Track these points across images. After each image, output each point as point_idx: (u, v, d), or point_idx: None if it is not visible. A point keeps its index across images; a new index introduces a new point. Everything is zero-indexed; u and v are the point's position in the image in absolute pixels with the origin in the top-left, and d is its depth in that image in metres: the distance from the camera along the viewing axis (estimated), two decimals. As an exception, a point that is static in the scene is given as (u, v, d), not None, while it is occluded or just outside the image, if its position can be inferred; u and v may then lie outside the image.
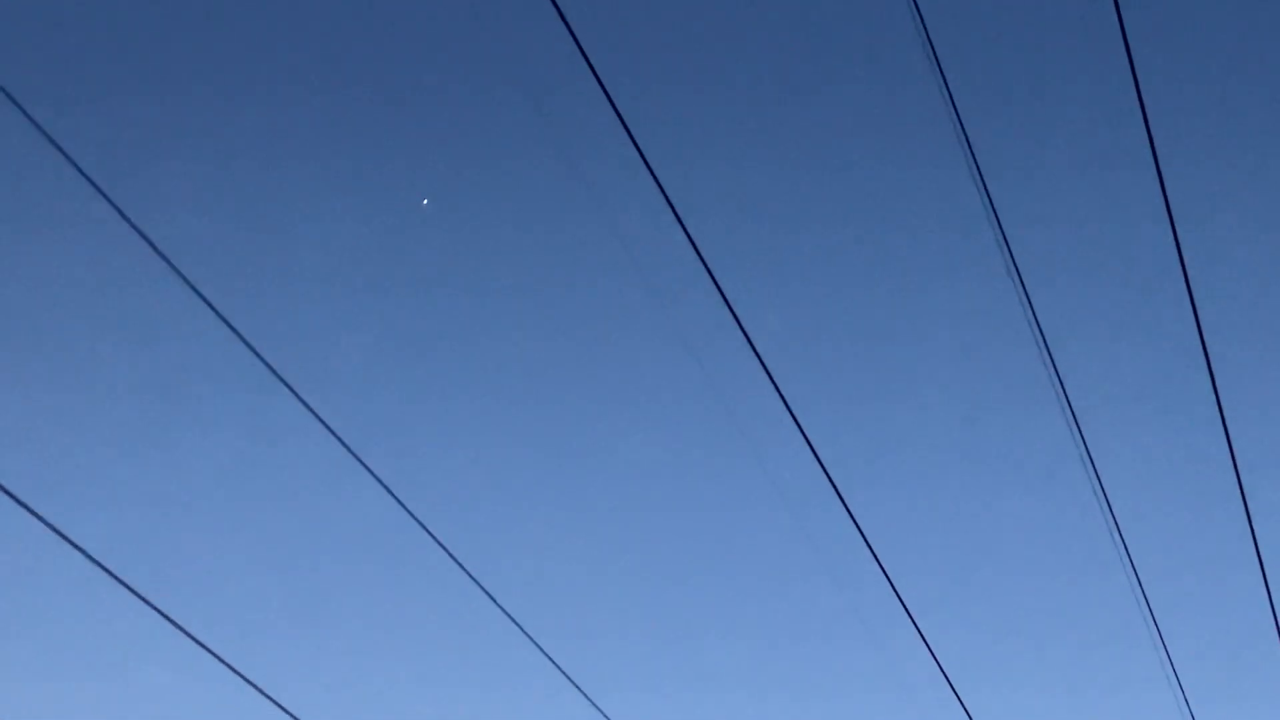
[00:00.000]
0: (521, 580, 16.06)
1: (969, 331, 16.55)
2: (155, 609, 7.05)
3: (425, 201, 15.88)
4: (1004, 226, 7.86)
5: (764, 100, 16.06)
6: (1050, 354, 8.28)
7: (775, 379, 7.64)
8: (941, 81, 7.69)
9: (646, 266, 15.61)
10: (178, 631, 7.24)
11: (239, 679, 7.53)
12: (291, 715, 7.52)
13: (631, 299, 16.16)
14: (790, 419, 7.54)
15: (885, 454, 17.18)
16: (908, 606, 8.74)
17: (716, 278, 7.00)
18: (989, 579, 17.66)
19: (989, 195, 7.91)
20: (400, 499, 8.16)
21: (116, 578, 6.86)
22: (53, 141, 6.80)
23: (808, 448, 7.63)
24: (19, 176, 14.07)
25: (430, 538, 8.25)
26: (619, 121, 6.85)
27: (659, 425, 16.97)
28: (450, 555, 8.37)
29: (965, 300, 16.45)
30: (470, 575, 8.53)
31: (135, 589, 7.02)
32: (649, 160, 6.91)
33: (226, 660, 7.47)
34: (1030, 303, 8.09)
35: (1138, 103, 6.90)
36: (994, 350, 16.65)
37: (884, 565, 8.51)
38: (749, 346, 7.48)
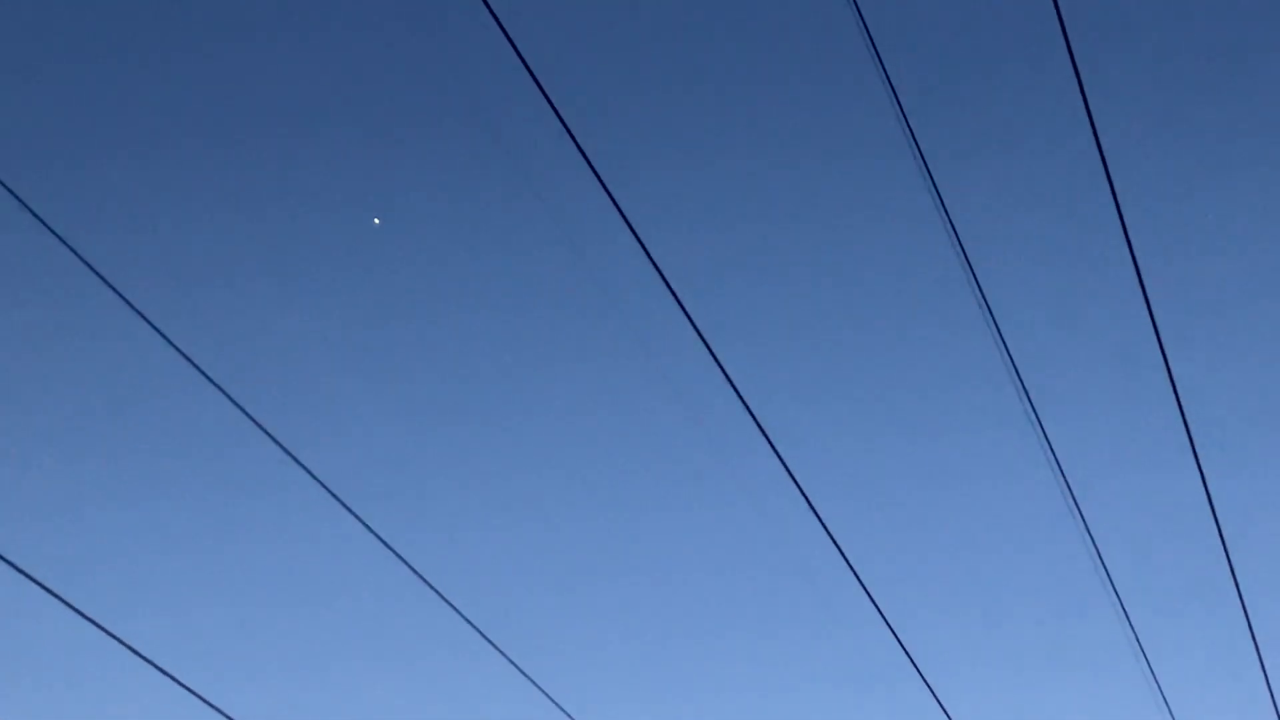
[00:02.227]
0: (487, 589, 15.98)
1: (926, 320, 16.61)
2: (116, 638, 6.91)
3: (376, 220, 15.73)
4: (952, 216, 7.84)
5: (736, 119, 16.02)
6: (1003, 337, 8.25)
7: (732, 376, 7.57)
8: (891, 91, 7.65)
9: (595, 267, 15.54)
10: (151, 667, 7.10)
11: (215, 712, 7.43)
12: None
13: (587, 305, 16.10)
14: (744, 408, 7.47)
15: (842, 440, 17.21)
16: (872, 594, 8.70)
17: (667, 276, 6.91)
18: (951, 561, 17.73)
19: (937, 188, 7.88)
20: (350, 507, 8.05)
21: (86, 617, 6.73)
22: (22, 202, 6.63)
23: (764, 437, 7.57)
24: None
25: (385, 545, 8.15)
26: (573, 141, 6.75)
27: (618, 428, 16.93)
28: (410, 567, 8.27)
29: (919, 288, 16.50)
30: (433, 588, 8.43)
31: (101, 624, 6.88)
32: (603, 170, 6.83)
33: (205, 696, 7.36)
34: (981, 288, 8.06)
35: (1081, 98, 6.89)
36: (951, 339, 16.70)
37: (848, 556, 8.46)
38: (709, 353, 7.41)
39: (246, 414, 7.74)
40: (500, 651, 9.08)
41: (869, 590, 8.83)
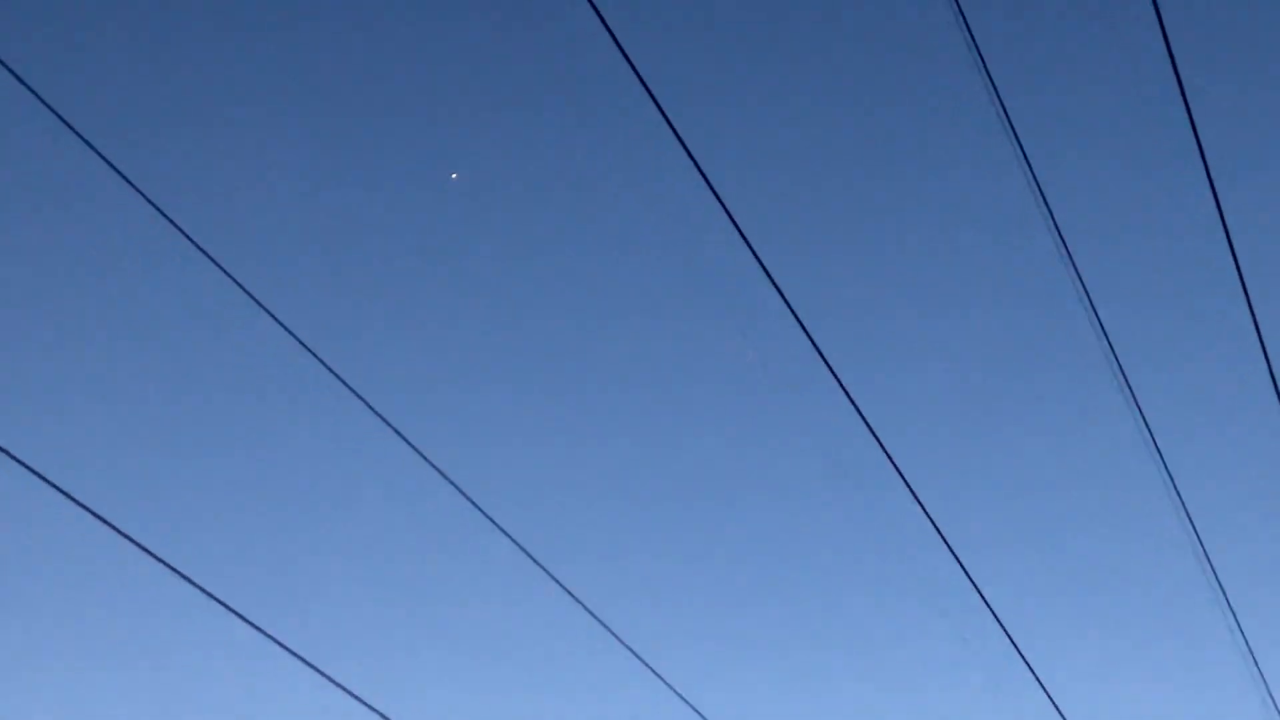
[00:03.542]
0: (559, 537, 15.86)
1: (1015, 294, 16.43)
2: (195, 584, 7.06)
3: (454, 175, 15.90)
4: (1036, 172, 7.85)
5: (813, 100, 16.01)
6: (1096, 311, 8.24)
7: (832, 365, 7.64)
8: (977, 53, 7.71)
9: (660, 205, 15.49)
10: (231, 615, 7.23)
11: (312, 670, 7.51)
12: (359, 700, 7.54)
13: (646, 235, 16.03)
14: (833, 377, 7.56)
15: (924, 400, 17.00)
16: (966, 568, 8.71)
17: (723, 200, 7.03)
18: (1058, 553, 17.48)
19: (1019, 140, 7.90)
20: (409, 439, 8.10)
21: (166, 563, 6.89)
22: (69, 126, 6.84)
23: (857, 413, 7.64)
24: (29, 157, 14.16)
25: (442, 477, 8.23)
26: (646, 90, 6.90)
27: (693, 387, 16.79)
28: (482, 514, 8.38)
29: (1006, 260, 16.33)
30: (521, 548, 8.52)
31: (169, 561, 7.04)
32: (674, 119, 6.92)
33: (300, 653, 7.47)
34: (1074, 262, 8.07)
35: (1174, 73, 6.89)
36: (1040, 313, 16.48)
37: (939, 525, 8.50)
38: (794, 317, 7.49)
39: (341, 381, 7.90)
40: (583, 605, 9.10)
41: (977, 584, 8.84)
